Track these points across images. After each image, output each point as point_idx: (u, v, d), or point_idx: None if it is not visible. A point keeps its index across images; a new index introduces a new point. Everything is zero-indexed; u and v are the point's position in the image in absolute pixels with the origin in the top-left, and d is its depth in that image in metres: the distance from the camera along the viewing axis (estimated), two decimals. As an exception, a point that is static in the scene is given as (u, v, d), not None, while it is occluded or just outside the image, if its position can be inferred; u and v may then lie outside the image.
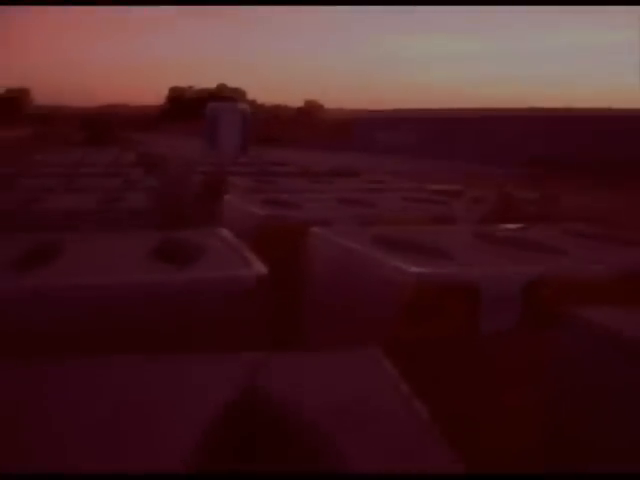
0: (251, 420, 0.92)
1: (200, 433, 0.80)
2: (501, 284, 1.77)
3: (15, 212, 2.92)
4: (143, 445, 0.77)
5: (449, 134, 16.28)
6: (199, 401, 0.88)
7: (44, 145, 16.15)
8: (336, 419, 0.84)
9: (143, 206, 3.04)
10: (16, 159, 7.58)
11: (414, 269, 1.71)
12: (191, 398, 0.90)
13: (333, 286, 2.09)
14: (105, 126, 28.47)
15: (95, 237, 2.15)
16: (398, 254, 1.89)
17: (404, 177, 4.88)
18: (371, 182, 4.38)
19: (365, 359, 1.07)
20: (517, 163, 12.63)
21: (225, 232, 2.18)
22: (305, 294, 2.25)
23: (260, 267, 1.64)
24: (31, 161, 6.40)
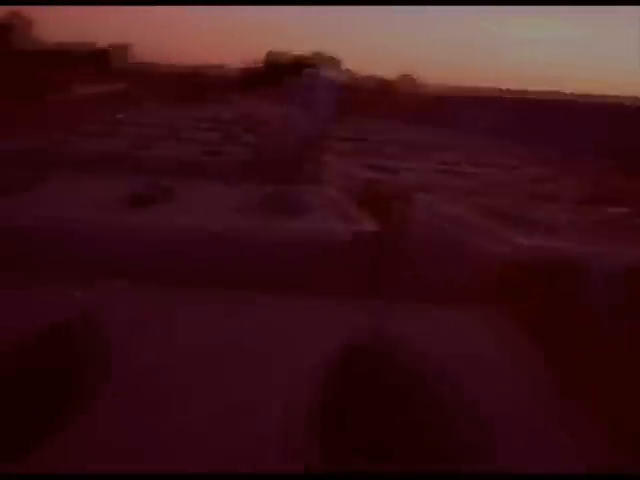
0: (378, 362, 0.94)
1: (327, 368, 0.82)
2: (606, 263, 1.73)
3: (124, 157, 3.01)
4: (278, 376, 0.80)
5: (542, 118, 15.73)
6: (325, 340, 0.90)
7: (141, 100, 16.48)
8: (464, 368, 0.85)
9: (244, 159, 3.10)
10: (119, 110, 7.79)
11: (523, 241, 1.69)
12: (317, 337, 0.92)
13: (435, 251, 2.08)
14: (199, 85, 28.79)
15: (203, 184, 2.20)
16: (504, 226, 1.87)
17: (494, 156, 4.77)
18: (466, 157, 4.31)
19: (486, 316, 1.08)
20: (611, 154, 12.11)
21: (330, 190, 2.20)
22: (405, 257, 2.25)
23: (369, 224, 1.65)
24: (134, 112, 6.56)
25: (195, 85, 27.86)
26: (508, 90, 17.16)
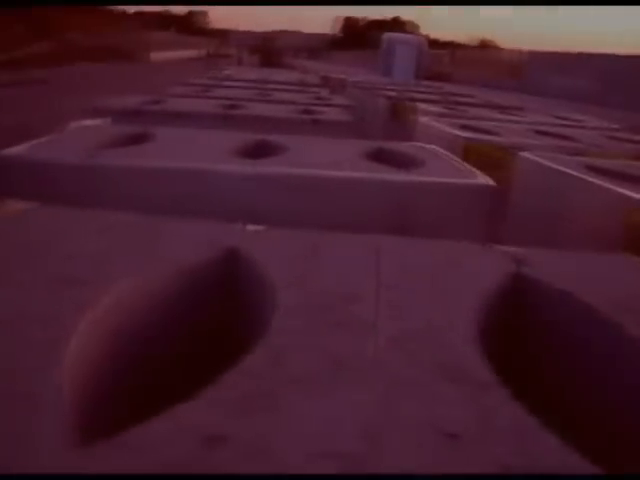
0: (522, 303, 0.93)
1: (478, 314, 0.81)
2: None
3: (219, 115, 3.05)
4: (440, 312, 0.80)
5: (631, 83, 15.14)
6: (474, 284, 0.90)
7: (222, 63, 16.61)
8: (615, 311, 0.83)
9: (341, 119, 3.09)
10: (205, 71, 7.89)
11: (636, 195, 1.64)
12: (465, 281, 0.91)
13: (544, 209, 2.04)
14: (277, 51, 28.92)
15: (309, 139, 2.20)
16: (615, 183, 1.82)
17: (586, 118, 4.62)
18: (561, 118, 4.20)
19: (623, 262, 1.05)
20: None
21: (435, 147, 2.18)
22: (511, 214, 2.22)
23: (486, 178, 1.64)
24: (221, 75, 6.61)
25: (272, 51, 28.00)
26: (591, 54, 16.59)
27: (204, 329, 0.92)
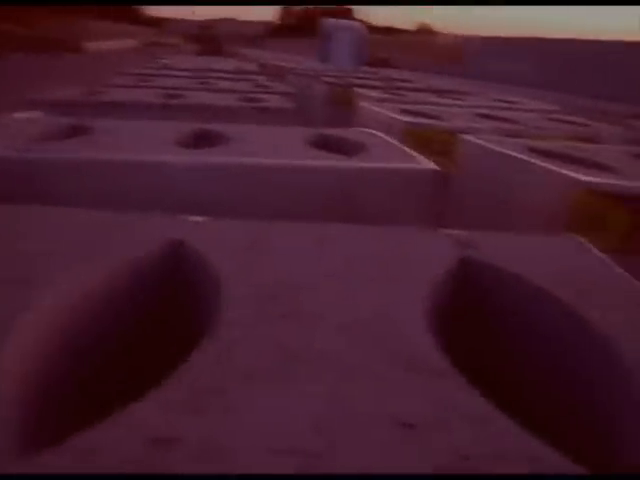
0: (471, 287, 0.93)
1: (428, 297, 0.81)
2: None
3: (158, 105, 2.99)
4: (391, 297, 0.79)
5: (567, 66, 15.46)
6: (423, 270, 0.89)
7: (159, 52, 16.36)
8: (565, 293, 0.83)
9: (283, 106, 3.07)
10: (143, 61, 7.75)
11: (585, 178, 1.67)
12: (414, 267, 0.91)
13: (488, 192, 2.06)
14: (216, 39, 28.63)
15: (251, 128, 2.17)
16: (558, 165, 1.85)
17: (526, 102, 4.69)
18: (501, 101, 4.25)
19: (569, 243, 1.06)
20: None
21: (376, 132, 2.18)
22: (454, 199, 2.24)
23: (429, 162, 1.64)
24: (159, 64, 6.49)
25: (210, 40, 27.70)
26: (530, 38, 16.86)
27: (152, 325, 0.90)
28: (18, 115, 2.23)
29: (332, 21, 15.54)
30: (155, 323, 0.90)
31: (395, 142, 1.97)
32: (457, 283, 0.91)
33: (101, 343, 0.82)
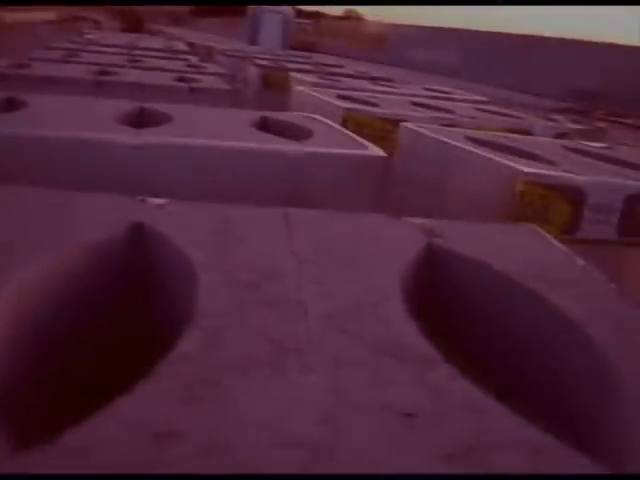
0: (438, 274, 0.93)
1: (399, 281, 0.81)
2: (605, 192, 1.76)
3: (90, 81, 2.89)
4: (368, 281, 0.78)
5: (491, 58, 15.78)
6: (393, 257, 0.89)
7: (80, 27, 15.87)
8: (529, 279, 0.84)
9: (220, 87, 3.02)
10: (64, 35, 7.49)
11: (526, 169, 1.70)
12: (383, 254, 0.90)
13: (427, 180, 2.07)
14: (138, 16, 27.97)
15: (191, 108, 2.12)
16: (498, 155, 1.87)
17: (457, 92, 4.75)
18: (433, 90, 4.30)
19: (527, 232, 1.08)
20: (560, 95, 12.30)
21: (319, 117, 2.16)
22: (394, 186, 2.24)
23: (378, 149, 1.63)
24: (84, 39, 6.28)
25: (131, 17, 27.02)
26: (455, 29, 17.12)
27: (119, 312, 0.86)
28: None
29: (263, 5, 15.40)
30: (123, 310, 0.86)
31: (340, 128, 1.96)
32: (425, 270, 0.91)
33: (69, 333, 0.78)
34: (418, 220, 1.04)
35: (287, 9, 15.56)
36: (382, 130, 2.51)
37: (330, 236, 0.93)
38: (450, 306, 0.91)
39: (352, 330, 0.65)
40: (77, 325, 0.79)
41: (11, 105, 1.94)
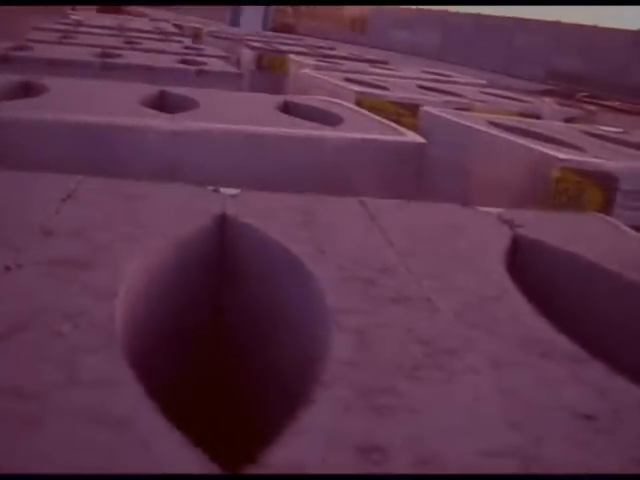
0: (528, 265, 0.91)
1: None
2: (638, 178, 1.75)
3: (97, 64, 2.83)
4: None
5: (474, 40, 15.75)
6: (489, 249, 0.87)
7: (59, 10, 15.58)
8: (617, 266, 0.83)
9: (228, 70, 2.97)
10: (44, 16, 7.34)
11: (561, 155, 1.68)
12: (478, 246, 0.88)
13: (450, 165, 2.05)
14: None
15: (213, 92, 2.08)
16: (528, 140, 1.86)
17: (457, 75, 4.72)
18: (434, 73, 4.27)
19: (598, 221, 1.07)
20: (541, 76, 12.32)
21: (341, 101, 2.13)
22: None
23: (415, 135, 1.61)
24: (72, 20, 6.15)
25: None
26: (437, 11, 17.07)
27: (206, 305, 0.83)
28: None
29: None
30: (213, 303, 0.83)
31: (367, 113, 1.93)
32: (515, 260, 0.89)
33: (180, 333, 0.75)
34: (493, 210, 1.03)
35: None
36: (395, 114, 2.48)
37: (417, 227, 0.91)
38: (541, 296, 0.90)
39: (487, 326, 0.63)
40: (188, 322, 0.77)
41: (30, 89, 1.89)
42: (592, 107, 6.14)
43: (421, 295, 0.68)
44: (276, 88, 3.76)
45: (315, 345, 0.59)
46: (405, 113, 2.48)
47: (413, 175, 1.57)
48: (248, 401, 0.79)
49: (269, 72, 4.45)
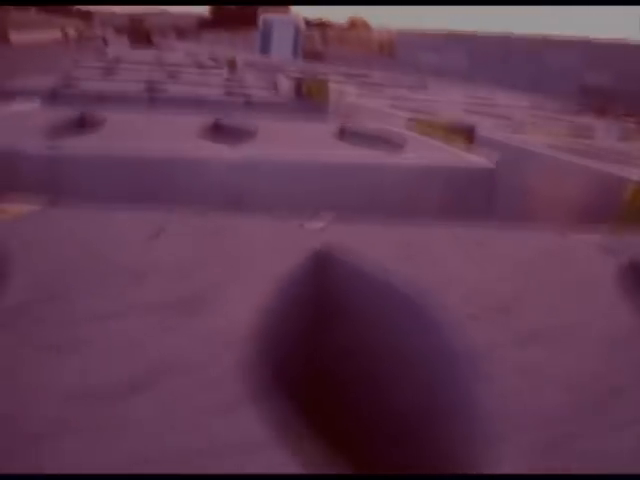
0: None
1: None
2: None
3: (143, 97, 2.83)
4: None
5: (502, 59, 15.70)
6: (600, 277, 0.82)
7: (92, 46, 15.90)
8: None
9: (276, 100, 2.96)
10: (81, 53, 7.46)
11: (634, 177, 1.63)
12: (589, 274, 0.83)
13: (512, 188, 2.00)
14: (146, 31, 28.08)
15: (266, 121, 2.06)
16: (597, 163, 1.80)
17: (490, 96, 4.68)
18: (473, 97, 4.23)
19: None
20: (572, 93, 12.20)
21: (399, 129, 2.09)
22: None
23: (485, 160, 1.57)
24: (110, 57, 6.24)
25: (141, 30, 27.13)
26: (464, 33, 17.06)
27: (316, 344, 0.79)
28: (14, 106, 2.05)
29: (270, 16, 15.41)
30: (321, 342, 0.79)
31: (428, 138, 1.89)
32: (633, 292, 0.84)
33: (285, 374, 0.71)
34: (587, 236, 0.97)
35: (297, 19, 15.55)
36: (446, 139, 2.43)
37: (529, 259, 0.85)
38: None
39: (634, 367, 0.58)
40: (287, 358, 0.72)
41: (87, 123, 1.88)
42: (633, 125, 6.03)
43: (553, 333, 0.63)
44: (319, 116, 3.75)
45: (454, 386, 0.54)
46: (457, 137, 2.43)
47: (484, 198, 1.52)
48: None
49: (312, 100, 4.45)
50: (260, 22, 14.60)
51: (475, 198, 1.47)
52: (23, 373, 0.50)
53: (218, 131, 1.90)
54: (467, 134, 2.29)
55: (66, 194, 1.39)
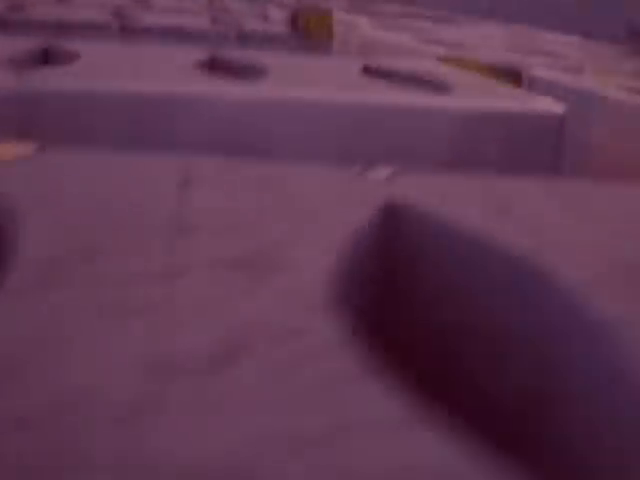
0: None
1: None
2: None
3: (112, 26, 2.82)
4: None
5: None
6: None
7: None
8: None
9: (276, 31, 2.95)
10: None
11: None
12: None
13: (578, 140, 2.00)
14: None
15: (276, 55, 2.05)
16: None
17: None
18: (515, 32, 4.23)
19: None
20: (616, 36, 12.24)
21: (438, 64, 2.09)
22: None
23: (552, 103, 1.56)
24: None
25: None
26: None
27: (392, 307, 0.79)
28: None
29: None
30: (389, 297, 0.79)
31: (481, 76, 1.88)
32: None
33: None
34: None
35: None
36: (496, 76, 2.43)
37: (628, 220, 0.86)
38: None
39: None
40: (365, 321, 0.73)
41: (52, 56, 1.86)
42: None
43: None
44: (320, 52, 3.74)
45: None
46: (503, 79, 2.42)
47: (551, 149, 1.53)
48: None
49: (312, 35, 4.44)
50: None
51: (541, 151, 1.48)
52: (89, 341, 0.50)
53: (218, 67, 1.89)
54: (514, 76, 2.29)
55: (40, 139, 1.38)
